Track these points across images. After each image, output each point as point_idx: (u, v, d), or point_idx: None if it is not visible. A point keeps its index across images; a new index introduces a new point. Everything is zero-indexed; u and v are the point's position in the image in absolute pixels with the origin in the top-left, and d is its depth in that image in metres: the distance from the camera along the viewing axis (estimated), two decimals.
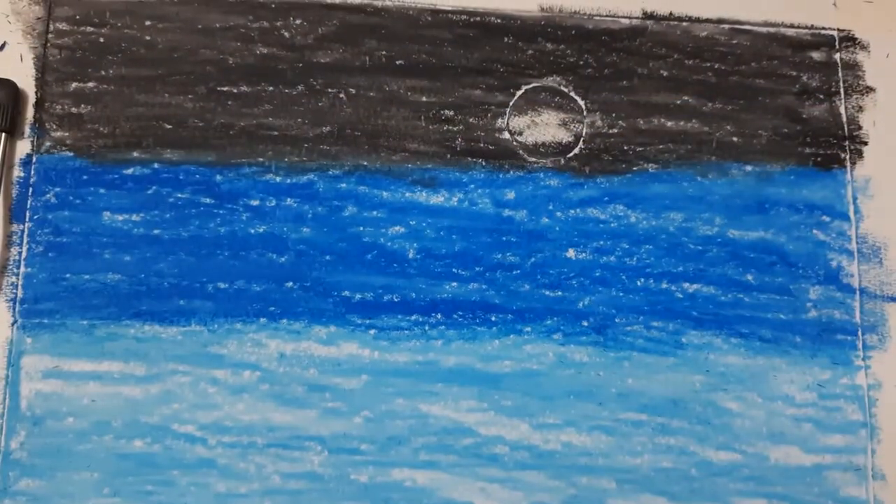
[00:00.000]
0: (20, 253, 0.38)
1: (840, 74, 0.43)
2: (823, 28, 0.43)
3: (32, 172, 0.39)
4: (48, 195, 0.39)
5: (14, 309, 0.38)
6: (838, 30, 0.43)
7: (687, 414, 0.40)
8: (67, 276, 0.39)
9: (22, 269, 0.38)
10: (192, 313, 0.39)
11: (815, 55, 0.43)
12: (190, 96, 0.40)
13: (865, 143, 0.42)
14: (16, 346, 0.38)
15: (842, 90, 0.43)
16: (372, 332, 0.39)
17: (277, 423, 0.38)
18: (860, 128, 0.43)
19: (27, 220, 0.39)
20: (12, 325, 0.38)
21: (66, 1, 0.41)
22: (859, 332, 0.41)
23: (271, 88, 0.41)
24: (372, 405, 0.39)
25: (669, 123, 0.42)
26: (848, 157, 0.42)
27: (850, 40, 0.43)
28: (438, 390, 0.39)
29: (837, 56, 0.43)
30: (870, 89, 0.43)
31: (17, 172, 0.39)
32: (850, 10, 0.43)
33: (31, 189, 0.39)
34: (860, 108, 0.43)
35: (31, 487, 0.37)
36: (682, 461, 0.39)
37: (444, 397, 0.39)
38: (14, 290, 0.38)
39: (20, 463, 0.37)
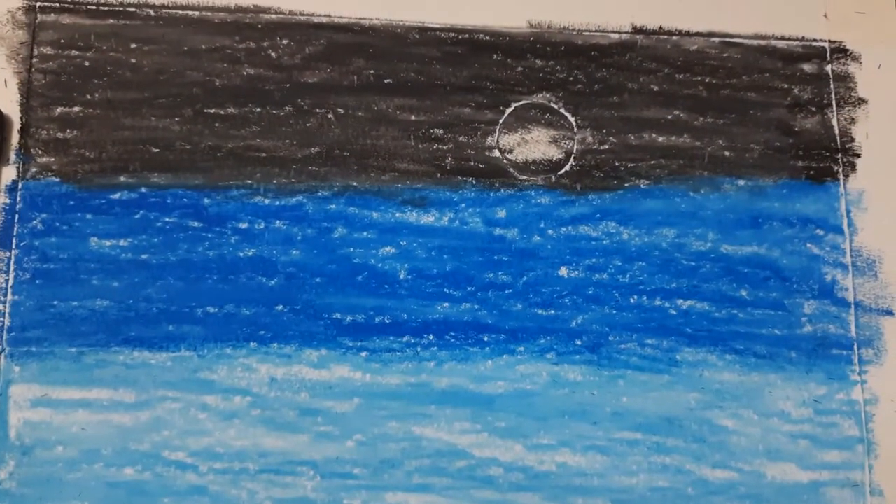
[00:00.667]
0: (7, 280, 0.38)
1: (832, 86, 0.43)
2: (814, 40, 0.43)
3: (18, 198, 0.39)
4: (34, 221, 0.39)
5: (1, 337, 0.38)
6: (829, 41, 0.43)
7: (682, 432, 0.39)
8: (55, 303, 0.38)
9: (9, 296, 0.38)
10: (181, 339, 0.38)
11: (807, 67, 0.43)
12: (177, 119, 0.40)
13: (858, 156, 0.42)
14: (3, 375, 0.37)
15: (834, 102, 0.43)
16: (363, 354, 0.39)
17: (269, 448, 0.38)
18: (853, 140, 0.42)
19: (13, 246, 0.38)
20: (0, 353, 0.37)
21: (50, 25, 0.40)
22: (855, 347, 0.40)
23: (259, 109, 0.40)
24: (364, 428, 0.38)
25: (661, 138, 0.42)
26: (841, 169, 0.42)
27: (841, 52, 0.43)
28: (431, 412, 0.39)
29: (829, 68, 0.43)
30: (862, 101, 0.43)
31: (3, 199, 0.39)
32: (841, 22, 0.43)
33: (17, 215, 0.39)
34: (852, 120, 0.42)
35: None
36: (678, 480, 0.39)
37: (438, 419, 0.39)
38: (1, 319, 0.38)
39: (9, 493, 0.36)
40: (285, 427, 0.38)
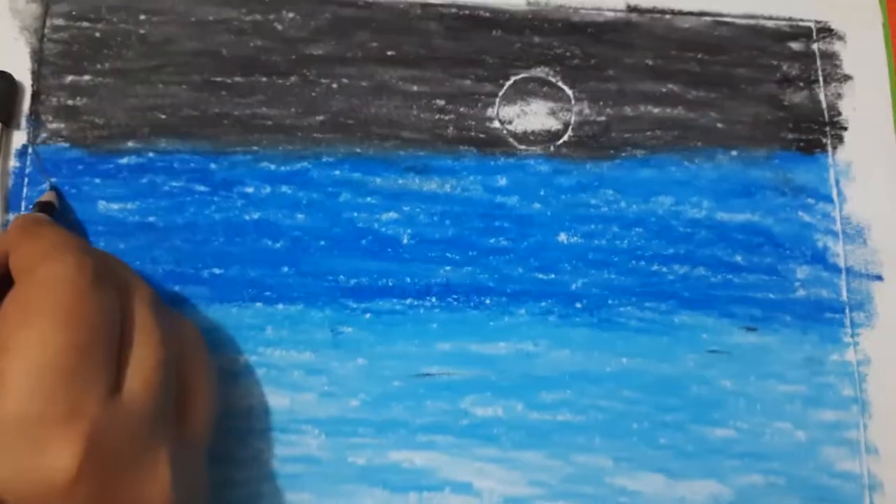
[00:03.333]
0: None
1: (818, 63, 0.44)
2: (801, 20, 0.45)
3: (28, 162, 0.39)
4: (44, 185, 0.39)
5: None
6: (815, 21, 0.45)
7: (681, 392, 0.40)
8: None
9: None
10: (187, 299, 0.39)
11: (794, 45, 0.45)
12: (184, 87, 0.41)
13: (846, 129, 0.44)
14: None
15: (821, 78, 0.44)
16: (367, 315, 0.40)
17: (274, 407, 0.38)
18: (840, 114, 0.44)
19: (23, 209, 0.39)
20: None
21: None
22: (847, 310, 0.41)
23: (265, 79, 0.41)
24: (368, 388, 0.39)
25: (655, 110, 0.43)
26: (829, 141, 0.43)
27: (826, 31, 0.45)
28: (434, 372, 0.39)
29: (815, 46, 0.45)
30: (847, 77, 0.44)
31: (14, 163, 0.39)
32: (827, 3, 0.45)
33: (26, 179, 0.39)
34: (839, 96, 0.44)
35: None
36: (677, 438, 0.39)
37: (440, 380, 0.39)
38: None
39: None
40: (290, 386, 0.38)
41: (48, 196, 0.38)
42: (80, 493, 0.25)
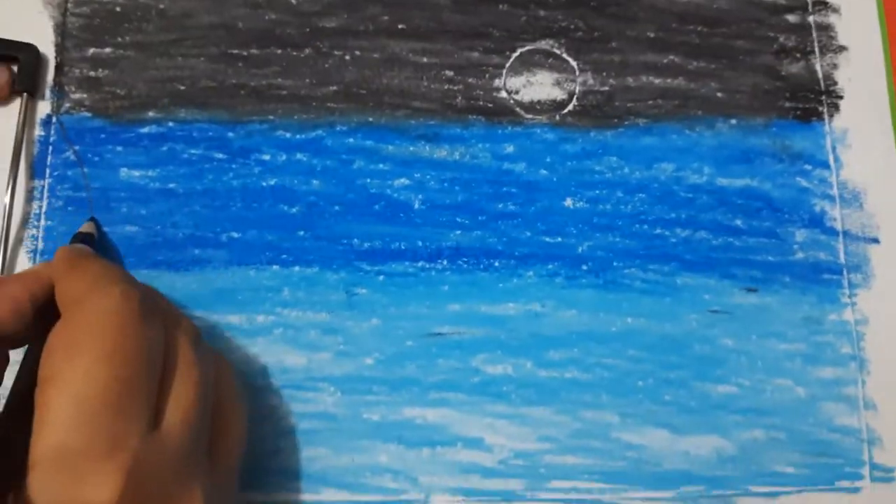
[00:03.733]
0: (41, 207, 0.40)
1: (814, 35, 0.46)
2: None
3: (52, 132, 0.41)
4: (67, 153, 0.41)
5: (35, 260, 0.39)
6: None
7: (685, 351, 0.41)
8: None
9: (42, 221, 0.40)
10: (206, 261, 0.40)
11: (790, 18, 0.46)
12: (202, 59, 0.42)
13: (841, 98, 0.45)
14: None
15: (816, 49, 0.46)
16: (381, 278, 0.41)
17: (291, 365, 0.39)
18: (836, 83, 0.45)
19: (47, 176, 0.40)
20: None
21: None
22: (844, 272, 0.43)
23: (279, 51, 0.43)
24: (382, 348, 0.40)
25: (657, 81, 0.44)
26: (825, 110, 0.45)
27: (822, 3, 0.46)
28: (446, 332, 0.41)
29: (811, 18, 0.46)
30: (843, 48, 0.46)
31: (38, 132, 0.41)
32: None
33: (50, 147, 0.41)
34: (835, 66, 0.45)
35: None
36: (681, 395, 0.41)
37: (451, 339, 0.40)
38: (35, 242, 0.39)
39: None
40: (307, 346, 0.40)
41: (87, 227, 0.39)
42: None
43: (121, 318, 0.28)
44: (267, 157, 0.42)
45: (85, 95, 0.41)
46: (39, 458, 0.25)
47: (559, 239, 0.42)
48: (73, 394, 0.26)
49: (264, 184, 0.41)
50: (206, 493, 0.29)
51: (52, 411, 0.26)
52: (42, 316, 0.30)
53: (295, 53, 0.43)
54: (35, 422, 0.26)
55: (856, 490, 0.40)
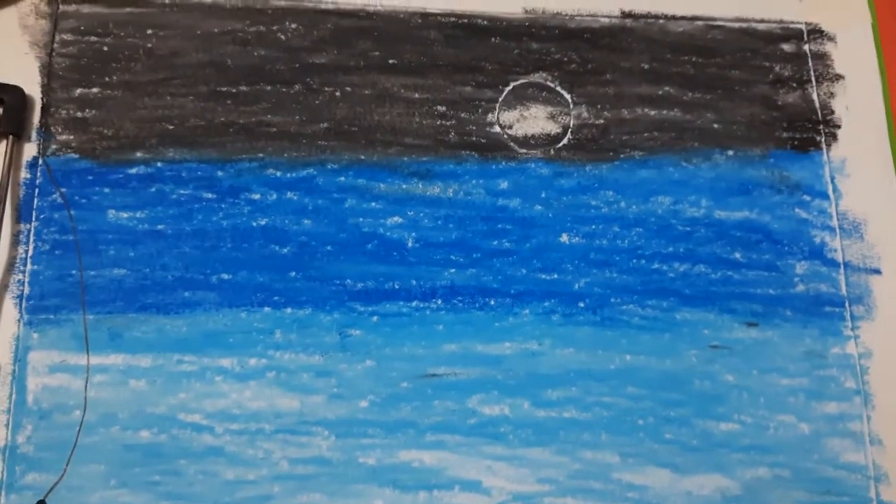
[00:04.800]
0: (26, 251, 0.39)
1: (810, 64, 0.45)
2: (792, 22, 0.46)
3: (38, 174, 0.40)
4: (54, 195, 0.40)
5: (21, 306, 0.39)
6: (806, 23, 0.46)
7: (685, 387, 0.40)
8: (73, 272, 0.39)
9: (28, 266, 0.39)
10: (196, 304, 0.39)
11: (786, 47, 0.45)
12: (191, 97, 0.42)
13: (839, 127, 0.44)
14: (22, 341, 0.38)
15: (813, 78, 0.45)
16: (375, 318, 0.40)
17: (284, 409, 0.39)
18: (833, 112, 0.45)
19: (34, 219, 0.40)
20: (18, 321, 0.38)
21: (71, 15, 0.42)
22: (846, 304, 0.42)
23: (269, 88, 0.42)
24: (377, 389, 0.39)
25: (652, 112, 0.44)
26: (823, 139, 0.44)
27: (817, 32, 0.46)
28: (441, 373, 0.40)
29: (806, 47, 0.46)
30: (839, 77, 0.45)
31: (24, 174, 0.40)
32: (815, 5, 0.46)
33: (37, 189, 0.40)
34: (832, 95, 0.45)
35: (38, 481, 0.37)
36: (683, 433, 0.40)
37: (447, 380, 0.40)
38: (21, 287, 0.39)
39: (27, 457, 0.37)
40: (300, 389, 0.39)
41: None
42: None
43: None
44: (257, 197, 0.41)
45: (72, 136, 0.41)
46: None
47: (555, 276, 0.41)
48: None
49: (255, 224, 0.41)
50: None
51: None
52: None
53: (285, 90, 0.42)
54: None
55: None
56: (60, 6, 0.42)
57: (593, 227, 0.42)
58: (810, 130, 0.44)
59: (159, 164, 0.41)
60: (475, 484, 0.39)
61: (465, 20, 0.44)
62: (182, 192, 0.41)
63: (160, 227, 0.40)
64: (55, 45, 0.42)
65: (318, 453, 0.38)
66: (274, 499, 0.38)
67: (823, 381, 0.41)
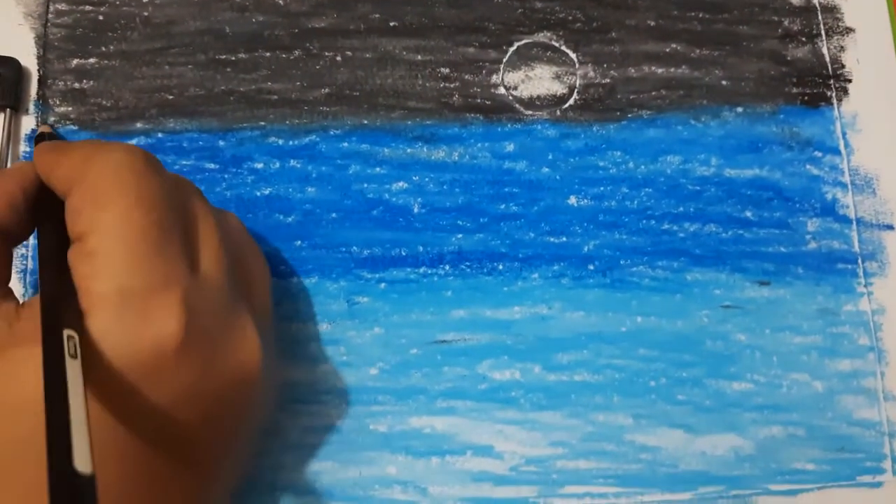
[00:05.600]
0: None
1: (820, 18, 0.44)
2: None
3: None
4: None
5: (25, 280, 0.38)
6: None
7: (697, 348, 0.40)
8: None
9: (31, 240, 0.39)
10: None
11: (794, 1, 0.44)
12: (189, 66, 0.41)
13: (850, 81, 0.44)
14: None
15: (823, 32, 0.44)
16: (382, 285, 0.40)
17: (294, 379, 0.38)
18: (843, 66, 0.44)
19: None
20: (23, 295, 0.38)
21: None
22: (859, 261, 0.42)
23: (268, 54, 0.42)
24: (386, 357, 0.39)
25: (660, 70, 0.43)
26: (834, 94, 0.43)
27: None
28: (451, 339, 0.39)
29: (816, 0, 0.45)
30: (849, 30, 0.44)
31: (23, 147, 0.40)
32: None
33: None
34: (842, 48, 0.44)
35: None
36: (695, 394, 0.39)
37: (457, 346, 0.39)
38: (24, 262, 0.38)
39: None
40: (309, 358, 0.39)
41: (46, 127, 0.39)
42: (187, 357, 0.27)
43: (135, 168, 0.28)
44: (260, 166, 0.40)
45: (70, 108, 0.40)
46: (100, 303, 0.26)
47: (564, 239, 0.41)
48: (120, 238, 0.26)
49: (258, 193, 0.40)
50: (256, 325, 0.30)
51: (101, 258, 0.26)
52: (36, 210, 0.31)
53: (284, 56, 0.42)
54: (80, 275, 0.27)
55: (878, 485, 0.39)
56: None
57: (601, 188, 0.42)
58: (820, 85, 0.43)
59: (160, 135, 0.40)
60: (487, 448, 0.38)
61: None
62: (184, 162, 0.40)
63: None
64: (50, 16, 0.41)
65: (328, 422, 0.38)
66: (286, 467, 0.37)
67: (837, 338, 0.41)
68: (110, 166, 0.28)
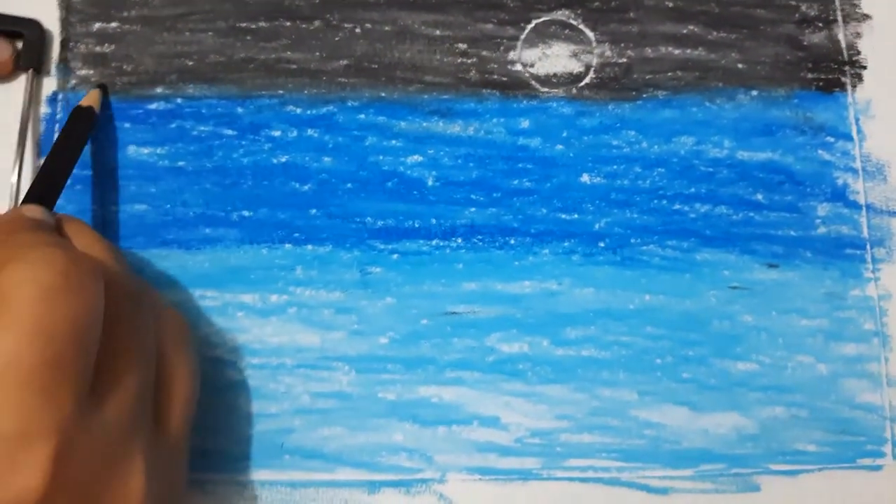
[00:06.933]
0: None
1: (837, 3, 0.44)
2: None
3: (58, 109, 0.40)
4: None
5: None
6: None
7: (704, 328, 0.40)
8: (94, 207, 0.39)
9: None
10: (218, 240, 0.40)
11: None
12: (210, 33, 0.41)
13: (865, 68, 0.44)
14: None
15: (840, 18, 0.44)
16: (395, 256, 0.40)
17: (305, 344, 0.39)
18: (859, 53, 0.44)
19: None
20: None
21: None
22: (867, 246, 0.42)
23: (288, 24, 0.42)
24: (397, 326, 0.40)
25: (676, 51, 0.43)
26: (849, 80, 0.44)
27: None
28: (461, 311, 0.40)
29: None
30: (866, 16, 0.44)
31: (45, 109, 0.40)
32: None
33: (56, 125, 0.40)
34: (858, 35, 0.44)
35: None
36: (700, 372, 0.40)
37: (467, 318, 0.40)
38: None
39: None
40: (321, 325, 0.39)
41: (89, 99, 0.38)
42: None
43: (48, 288, 0.25)
44: (277, 134, 0.41)
45: (91, 71, 0.41)
46: None
47: (576, 216, 0.41)
48: (2, 375, 0.24)
49: (275, 161, 0.41)
50: (148, 464, 0.28)
51: None
52: None
53: (304, 26, 0.42)
54: None
55: (878, 468, 0.40)
56: None
57: (614, 167, 0.42)
58: (835, 71, 0.44)
59: (179, 101, 0.41)
60: (493, 420, 0.39)
61: None
62: (202, 128, 0.41)
63: (181, 163, 0.40)
64: None
65: (338, 388, 0.39)
66: (295, 431, 0.38)
67: (842, 322, 0.41)
68: (15, 281, 0.25)
